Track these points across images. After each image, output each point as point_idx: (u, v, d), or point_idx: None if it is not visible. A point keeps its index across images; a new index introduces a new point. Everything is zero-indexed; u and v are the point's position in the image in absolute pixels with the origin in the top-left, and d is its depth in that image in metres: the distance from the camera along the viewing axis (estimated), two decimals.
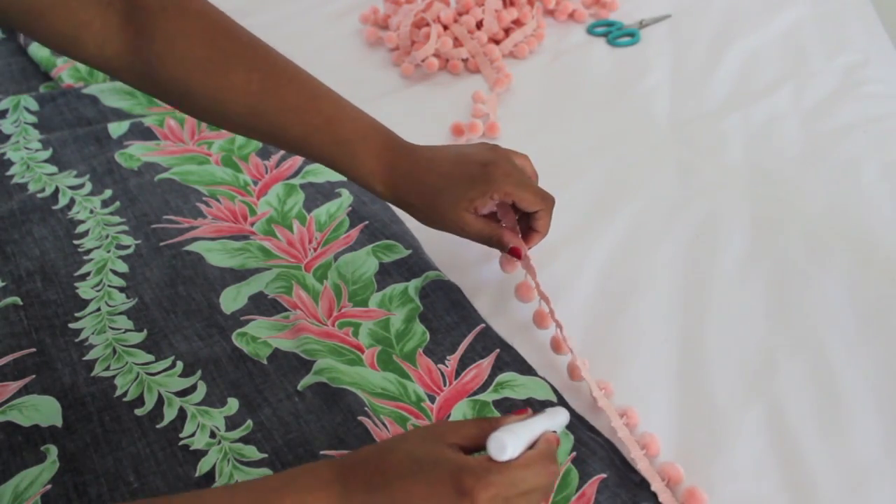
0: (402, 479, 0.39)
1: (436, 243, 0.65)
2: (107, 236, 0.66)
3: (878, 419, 0.51)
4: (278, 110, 0.54)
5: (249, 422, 0.52)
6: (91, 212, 0.69)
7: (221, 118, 0.56)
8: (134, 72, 0.53)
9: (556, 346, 0.56)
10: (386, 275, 0.62)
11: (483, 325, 0.58)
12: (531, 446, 0.42)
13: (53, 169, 0.74)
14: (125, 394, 0.54)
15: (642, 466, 0.48)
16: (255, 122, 0.55)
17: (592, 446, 0.50)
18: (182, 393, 0.54)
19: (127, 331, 0.58)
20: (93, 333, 0.58)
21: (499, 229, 0.57)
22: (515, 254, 0.56)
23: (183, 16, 0.52)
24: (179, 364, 0.56)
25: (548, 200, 0.56)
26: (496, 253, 0.64)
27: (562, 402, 0.53)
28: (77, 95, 0.83)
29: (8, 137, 0.79)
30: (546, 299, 0.56)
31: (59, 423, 0.52)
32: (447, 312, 0.59)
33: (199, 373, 0.55)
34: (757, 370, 0.54)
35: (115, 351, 0.57)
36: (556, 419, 0.45)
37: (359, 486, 0.39)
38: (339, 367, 0.55)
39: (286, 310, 0.60)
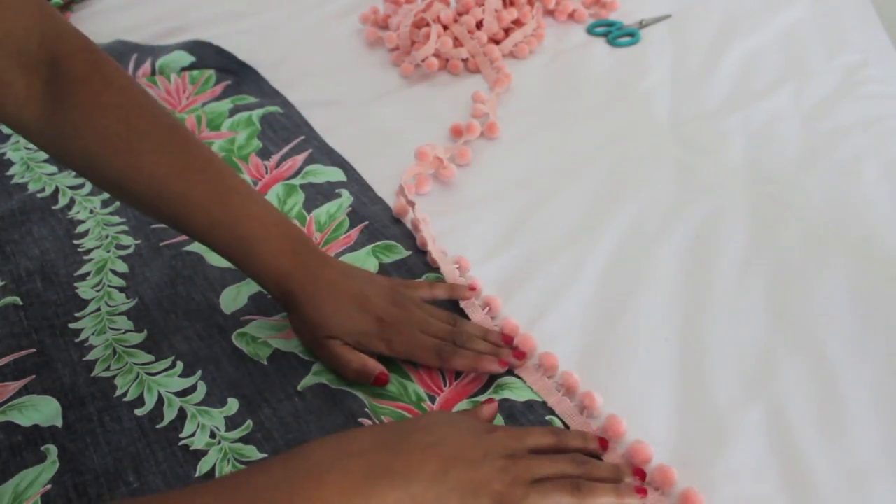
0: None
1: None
2: (107, 236, 0.66)
3: (878, 419, 0.51)
4: (183, 198, 0.53)
5: (249, 422, 0.52)
6: (91, 212, 0.69)
7: (127, 196, 0.55)
8: (47, 137, 0.52)
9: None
10: (386, 275, 0.62)
11: None
12: None
13: (53, 169, 0.74)
14: (125, 394, 0.54)
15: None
16: (159, 205, 0.54)
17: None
18: (182, 393, 0.54)
19: (127, 331, 0.58)
20: (93, 334, 0.58)
21: (368, 361, 0.53)
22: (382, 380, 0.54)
23: (105, 89, 0.52)
24: (179, 364, 0.56)
25: (442, 354, 0.53)
26: (494, 255, 0.64)
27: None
28: None
29: (8, 137, 0.79)
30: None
31: (59, 423, 0.52)
32: None
33: (199, 373, 0.55)
34: (757, 370, 0.54)
35: (115, 351, 0.57)
36: None
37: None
38: None
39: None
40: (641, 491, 0.46)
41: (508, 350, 0.55)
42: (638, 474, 0.47)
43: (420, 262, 0.63)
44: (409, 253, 0.64)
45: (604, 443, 0.49)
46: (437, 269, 0.62)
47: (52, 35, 0.51)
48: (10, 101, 0.50)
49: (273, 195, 0.70)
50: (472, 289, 0.60)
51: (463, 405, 0.52)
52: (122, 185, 0.53)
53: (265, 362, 0.56)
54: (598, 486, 0.45)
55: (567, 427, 0.51)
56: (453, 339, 0.54)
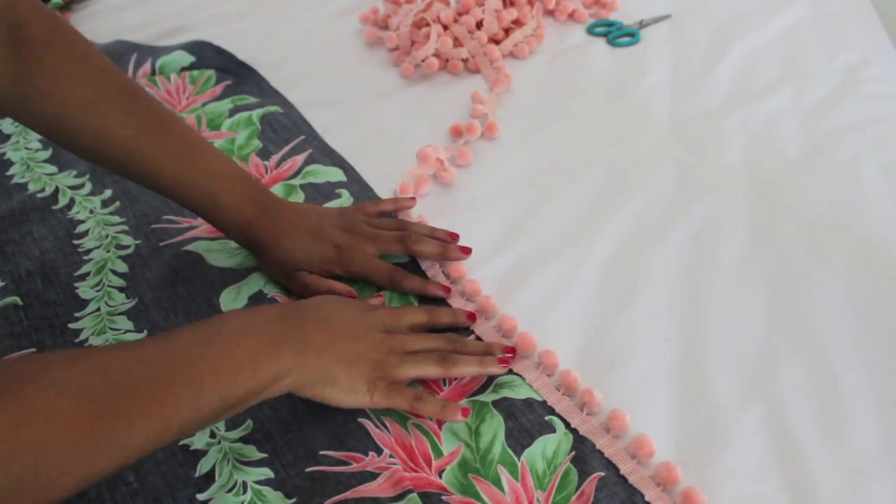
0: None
1: None
2: (107, 236, 0.66)
3: (878, 419, 0.51)
4: (151, 156, 0.57)
5: (249, 422, 0.52)
6: (91, 212, 0.69)
7: (97, 157, 0.58)
8: (13, 103, 0.54)
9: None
10: None
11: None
12: None
13: (53, 169, 0.74)
14: None
15: (634, 479, 0.48)
16: (129, 164, 0.57)
17: (590, 444, 0.50)
18: None
19: (127, 331, 0.58)
20: (93, 334, 0.58)
21: (334, 285, 0.59)
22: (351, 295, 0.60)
23: (68, 55, 0.54)
24: None
25: (394, 278, 0.59)
26: (494, 256, 0.64)
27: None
28: None
29: (8, 137, 0.79)
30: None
31: None
32: None
33: None
34: (757, 370, 0.54)
35: None
36: None
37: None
38: None
39: None
40: (504, 361, 0.53)
41: (456, 246, 0.62)
42: (507, 351, 0.54)
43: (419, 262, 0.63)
44: (407, 258, 0.64)
45: (472, 316, 0.57)
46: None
47: (9, 1, 0.52)
48: None
49: None
50: (412, 199, 0.67)
51: (464, 404, 0.52)
52: (92, 148, 0.56)
53: None
54: (463, 359, 0.52)
55: (568, 425, 0.51)
56: (404, 241, 0.60)
